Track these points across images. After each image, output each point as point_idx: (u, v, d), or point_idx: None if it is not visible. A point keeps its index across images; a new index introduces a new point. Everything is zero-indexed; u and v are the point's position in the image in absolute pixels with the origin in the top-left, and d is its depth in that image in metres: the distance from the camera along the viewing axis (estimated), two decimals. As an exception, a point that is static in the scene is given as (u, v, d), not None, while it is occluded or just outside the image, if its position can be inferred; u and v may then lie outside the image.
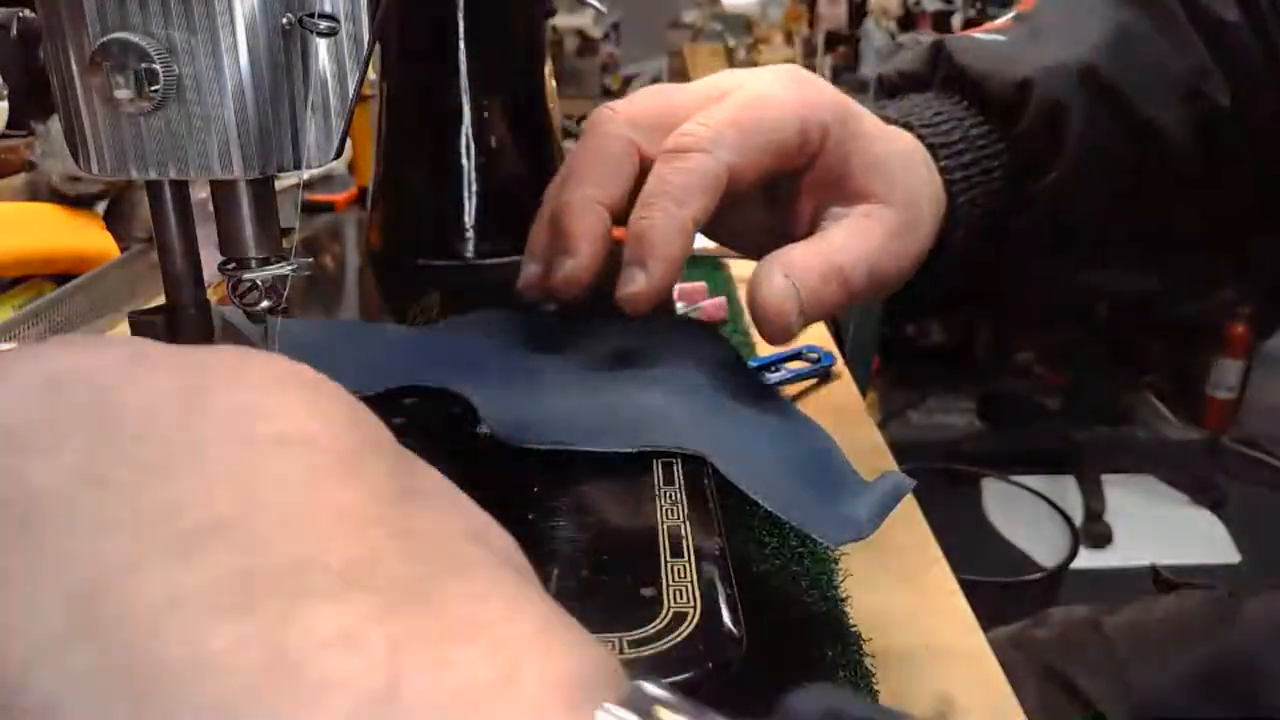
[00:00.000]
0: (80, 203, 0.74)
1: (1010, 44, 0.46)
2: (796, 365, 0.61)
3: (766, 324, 0.36)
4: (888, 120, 0.43)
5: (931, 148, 0.43)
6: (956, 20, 2.01)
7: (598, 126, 0.39)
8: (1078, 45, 0.44)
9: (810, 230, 0.40)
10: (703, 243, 0.89)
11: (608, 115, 0.39)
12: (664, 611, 0.28)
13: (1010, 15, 0.49)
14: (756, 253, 0.39)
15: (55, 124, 0.70)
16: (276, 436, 0.16)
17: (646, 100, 0.39)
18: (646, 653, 0.26)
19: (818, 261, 0.37)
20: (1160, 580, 0.70)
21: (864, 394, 0.62)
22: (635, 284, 0.36)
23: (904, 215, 0.39)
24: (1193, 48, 0.46)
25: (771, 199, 0.42)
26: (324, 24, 0.29)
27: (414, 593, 0.15)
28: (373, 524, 0.16)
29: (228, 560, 0.14)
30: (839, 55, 2.33)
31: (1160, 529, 1.93)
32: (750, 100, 0.37)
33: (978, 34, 0.48)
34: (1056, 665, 0.64)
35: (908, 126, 0.43)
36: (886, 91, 0.50)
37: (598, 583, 0.29)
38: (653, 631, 0.27)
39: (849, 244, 0.38)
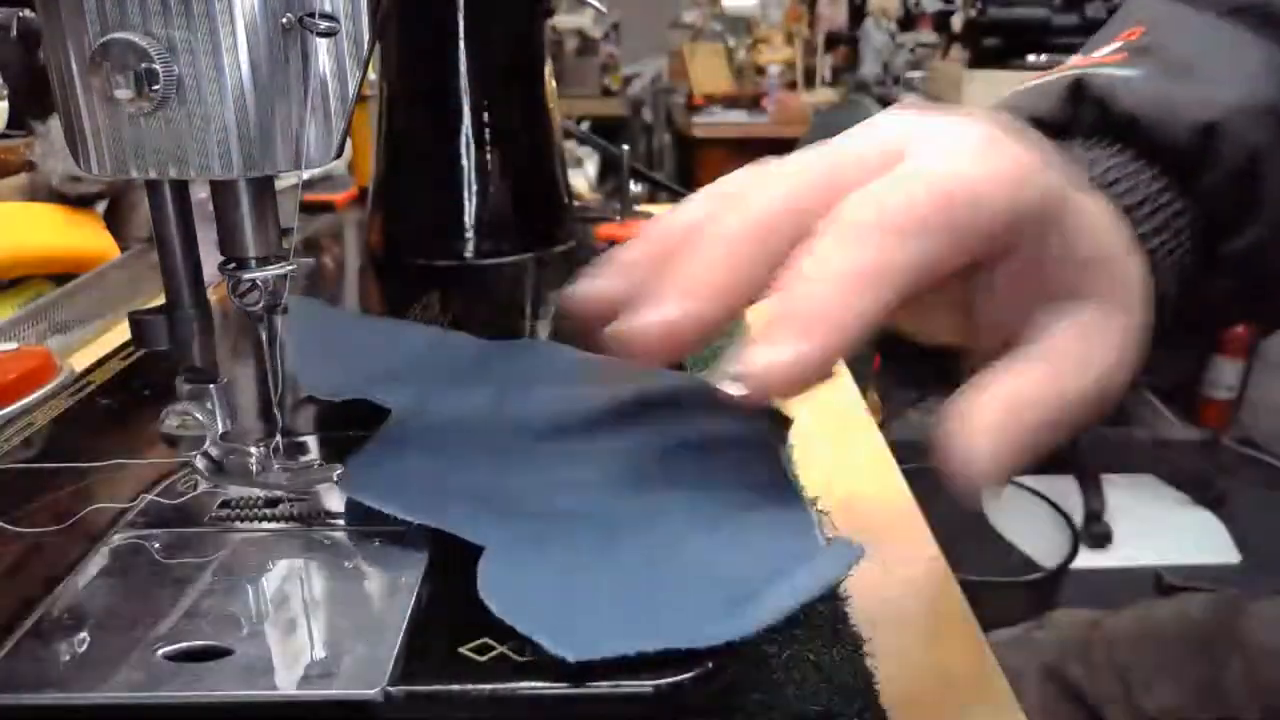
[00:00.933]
0: (80, 203, 0.74)
1: (1151, 81, 0.37)
2: (796, 365, 0.61)
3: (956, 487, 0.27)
4: None
5: (1125, 210, 0.34)
6: (956, 20, 2.01)
7: (753, 191, 0.30)
8: (1243, 83, 0.36)
9: (1012, 332, 0.31)
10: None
11: (765, 190, 0.29)
12: (664, 611, 0.28)
13: (1116, 46, 0.40)
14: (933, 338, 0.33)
15: (55, 124, 0.70)
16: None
17: (810, 166, 0.30)
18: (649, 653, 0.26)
19: (1044, 392, 0.28)
20: (1163, 585, 0.70)
21: (864, 394, 0.62)
22: (775, 355, 0.26)
23: (1135, 316, 0.31)
24: None
25: (959, 291, 0.32)
26: (324, 24, 0.29)
27: None
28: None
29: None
30: (839, 55, 2.33)
31: (1160, 529, 1.93)
32: (949, 179, 0.27)
33: (1109, 67, 0.38)
34: (1057, 666, 0.64)
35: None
36: None
37: (598, 583, 0.29)
38: (653, 631, 0.27)
39: (1079, 364, 0.29)
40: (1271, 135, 0.35)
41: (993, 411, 0.27)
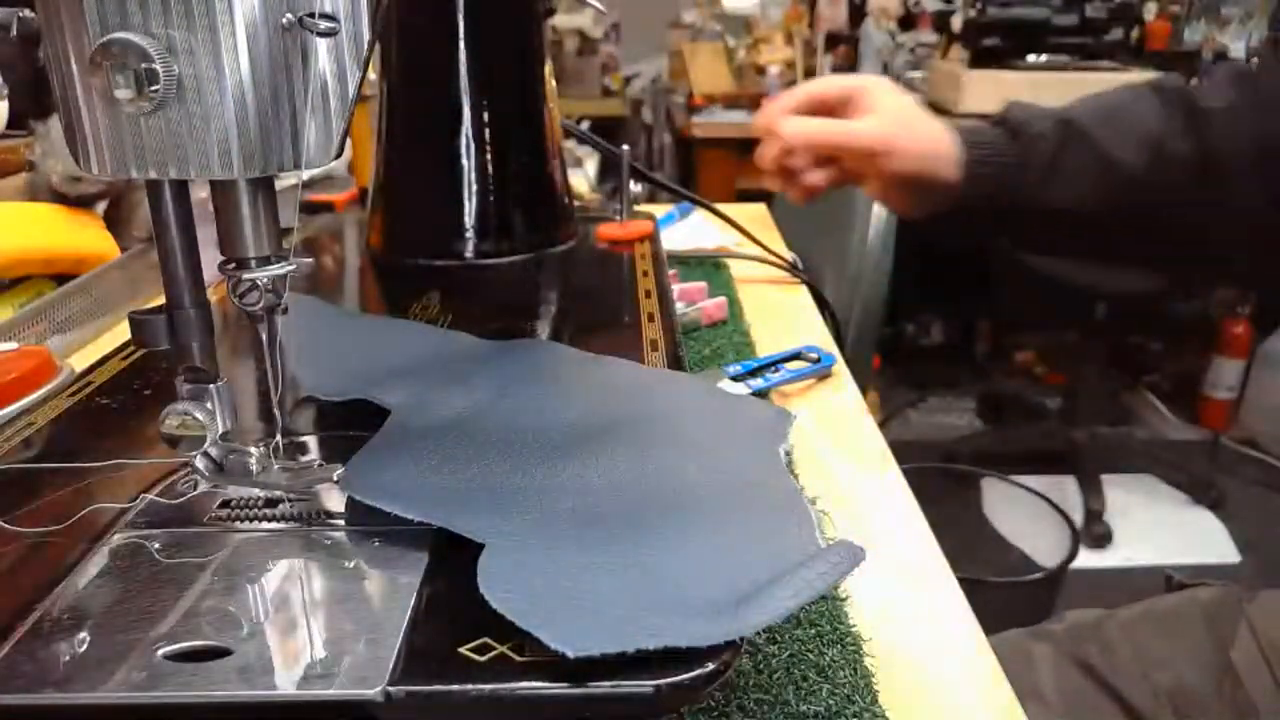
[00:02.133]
0: (80, 203, 0.74)
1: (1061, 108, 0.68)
2: (796, 365, 0.61)
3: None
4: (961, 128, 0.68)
5: (962, 131, 0.67)
6: (956, 20, 2.01)
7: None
8: (1080, 107, 0.67)
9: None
10: (702, 242, 0.89)
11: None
12: (664, 611, 0.28)
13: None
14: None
15: (55, 124, 0.70)
16: None
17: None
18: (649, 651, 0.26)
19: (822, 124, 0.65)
20: (1173, 584, 0.73)
21: (864, 394, 0.62)
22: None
23: (889, 120, 0.65)
24: (1171, 119, 0.64)
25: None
26: (324, 24, 0.29)
27: None
28: None
29: None
30: (839, 55, 2.33)
31: (1160, 529, 1.92)
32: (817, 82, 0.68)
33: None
34: (1073, 649, 0.66)
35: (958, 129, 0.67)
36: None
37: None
38: (653, 631, 0.27)
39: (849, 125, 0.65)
40: (1054, 129, 0.65)
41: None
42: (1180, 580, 0.72)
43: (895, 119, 0.65)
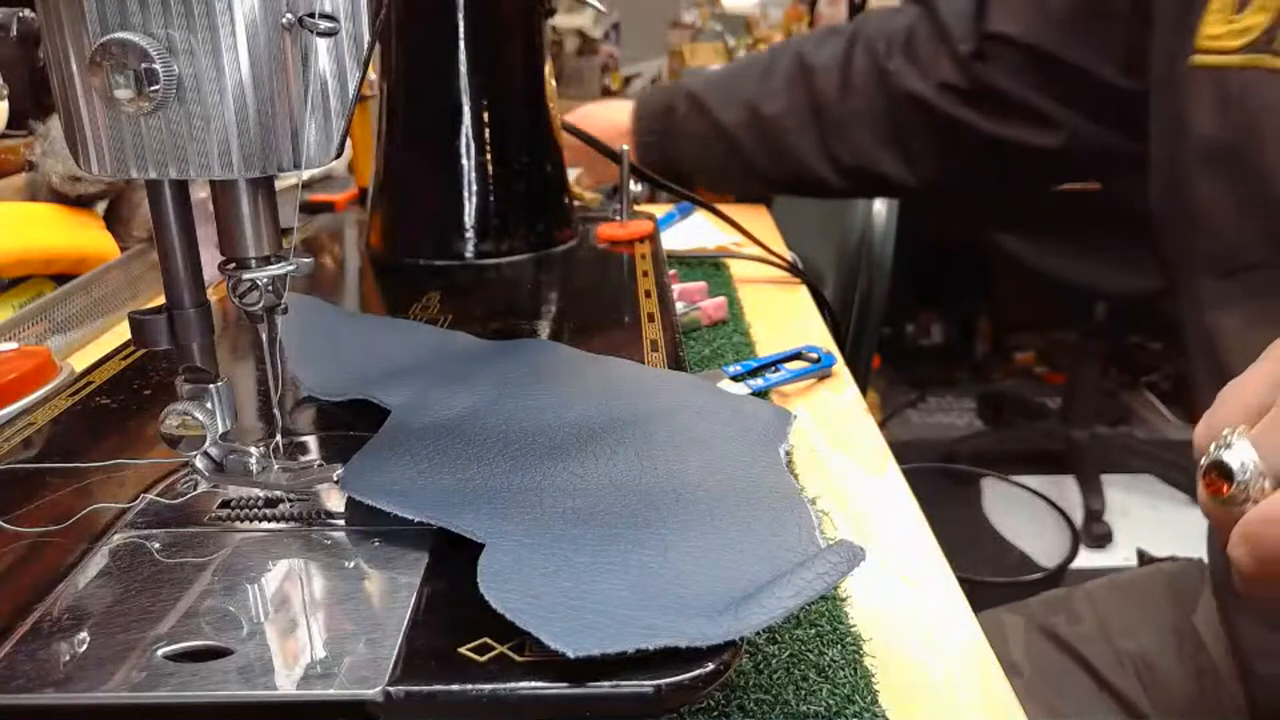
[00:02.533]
0: (80, 203, 0.74)
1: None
2: (796, 365, 0.61)
3: None
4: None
5: (638, 104, 0.88)
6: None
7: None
8: (707, 76, 0.85)
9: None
10: (702, 242, 0.89)
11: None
12: (664, 611, 0.28)
13: None
14: None
15: (55, 124, 0.70)
16: None
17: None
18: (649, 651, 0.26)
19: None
20: (1145, 558, 0.75)
21: (864, 394, 0.62)
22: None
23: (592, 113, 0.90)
24: (773, 83, 0.77)
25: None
26: (324, 24, 0.29)
27: None
28: None
29: None
30: (839, 55, 2.33)
31: (1160, 529, 1.93)
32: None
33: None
34: (1043, 620, 0.68)
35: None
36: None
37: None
38: (653, 631, 0.27)
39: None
40: (683, 99, 0.84)
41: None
42: (1151, 556, 0.74)
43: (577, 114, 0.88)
